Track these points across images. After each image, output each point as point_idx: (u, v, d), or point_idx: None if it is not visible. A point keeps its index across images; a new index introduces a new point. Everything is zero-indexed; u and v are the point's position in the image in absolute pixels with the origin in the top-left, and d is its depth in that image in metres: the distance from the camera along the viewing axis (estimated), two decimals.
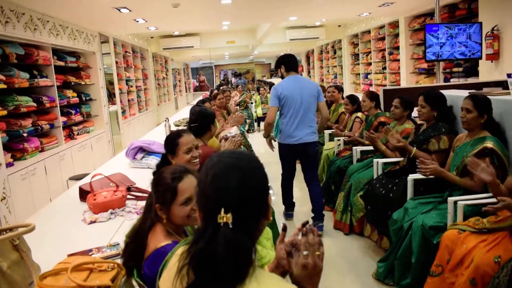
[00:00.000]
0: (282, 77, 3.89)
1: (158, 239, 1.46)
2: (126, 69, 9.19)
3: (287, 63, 3.82)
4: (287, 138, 3.80)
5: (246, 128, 8.83)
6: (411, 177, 2.94)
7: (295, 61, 3.87)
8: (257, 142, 8.02)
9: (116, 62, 8.31)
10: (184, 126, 5.18)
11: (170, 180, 1.53)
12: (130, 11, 5.69)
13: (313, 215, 3.89)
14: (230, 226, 0.95)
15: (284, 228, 1.20)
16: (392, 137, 3.30)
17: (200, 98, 6.42)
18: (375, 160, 3.51)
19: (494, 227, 2.20)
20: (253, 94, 11.76)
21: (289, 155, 3.87)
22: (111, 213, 2.35)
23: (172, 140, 2.15)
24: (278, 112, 3.83)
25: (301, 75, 16.61)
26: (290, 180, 4.03)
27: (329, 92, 5.47)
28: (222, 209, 0.97)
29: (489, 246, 2.12)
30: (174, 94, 14.90)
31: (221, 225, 0.96)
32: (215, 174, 1.01)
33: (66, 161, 5.39)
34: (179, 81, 16.91)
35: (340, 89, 5.46)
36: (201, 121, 2.82)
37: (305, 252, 1.08)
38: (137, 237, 1.49)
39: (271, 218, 1.03)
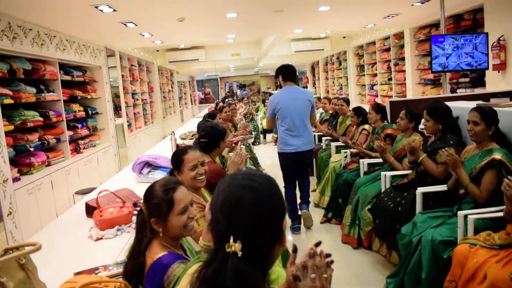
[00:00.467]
0: (280, 87, 4.08)
1: (154, 253, 1.47)
2: (132, 83, 9.24)
3: (285, 74, 3.99)
4: (285, 147, 3.98)
5: (252, 140, 8.68)
6: (420, 190, 2.92)
7: (293, 72, 4.02)
8: (264, 155, 7.90)
9: (122, 76, 8.34)
10: (191, 139, 5.15)
11: (163, 192, 1.55)
12: (136, 25, 5.74)
13: (299, 201, 4.17)
14: (239, 255, 0.93)
15: (295, 250, 1.17)
16: (377, 141, 3.44)
17: (206, 110, 6.67)
18: (383, 173, 3.48)
19: (505, 243, 2.18)
20: (259, 106, 11.76)
21: (288, 162, 4.04)
22: (118, 230, 2.33)
23: (178, 156, 2.14)
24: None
25: (306, 86, 17.68)
26: (293, 188, 4.13)
27: (337, 105, 5.49)
28: (231, 238, 0.94)
29: (502, 262, 2.10)
30: (180, 107, 14.90)
31: (230, 253, 0.94)
32: (226, 198, 0.98)
33: (72, 175, 5.39)
34: (185, 93, 16.97)
35: (348, 102, 5.48)
36: (211, 137, 2.78)
37: (312, 275, 1.06)
38: (135, 257, 1.49)
39: (286, 244, 1.01)
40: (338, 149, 4.98)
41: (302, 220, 4.17)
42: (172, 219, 1.57)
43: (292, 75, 4.02)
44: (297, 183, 4.20)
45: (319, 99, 7.28)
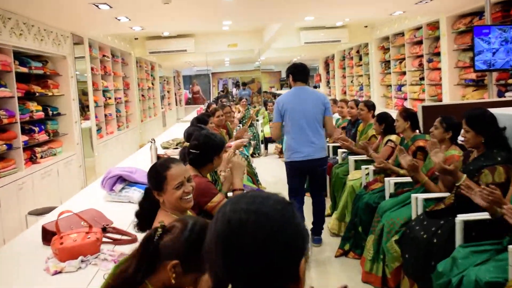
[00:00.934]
0: (290, 87, 4.39)
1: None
2: (103, 77, 9.16)
3: (296, 73, 4.31)
4: (293, 155, 4.27)
5: (251, 151, 8.53)
6: (461, 218, 2.86)
7: (305, 72, 4.35)
8: (265, 169, 7.71)
9: (92, 69, 8.28)
10: (175, 148, 5.08)
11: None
12: (111, 7, 5.69)
13: (311, 227, 4.37)
14: None
15: None
16: (404, 157, 3.49)
17: (194, 113, 6.68)
18: (413, 195, 3.42)
19: None
20: (260, 109, 11.40)
21: (297, 173, 4.30)
22: (82, 261, 2.30)
23: (158, 172, 2.14)
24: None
25: (317, 86, 17.72)
26: (299, 203, 4.20)
27: (353, 108, 5.51)
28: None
29: None
30: (162, 108, 14.70)
31: None
32: (225, 236, 0.95)
33: (26, 190, 5.33)
34: (168, 92, 16.61)
35: (371, 106, 5.44)
36: (204, 150, 2.78)
37: None
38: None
39: None
40: (357, 165, 4.91)
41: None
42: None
43: (304, 76, 4.33)
44: (312, 200, 4.33)
45: (334, 101, 7.17)
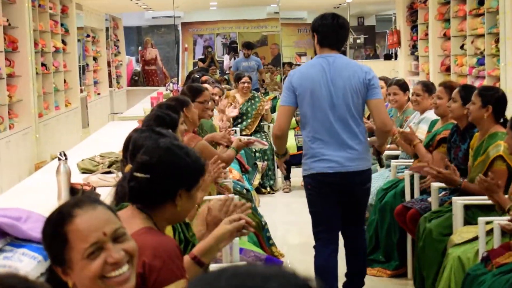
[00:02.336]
0: (316, 53, 3.61)
1: None
2: None
3: (323, 33, 3.45)
4: (314, 163, 3.39)
5: (256, 181, 6.28)
6: None
7: (340, 31, 3.48)
8: (283, 217, 5.61)
9: None
10: (106, 172, 3.97)
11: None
12: None
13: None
14: None
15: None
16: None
17: (147, 101, 5.87)
18: None
19: None
20: (277, 97, 8.09)
21: (322, 196, 3.41)
22: None
23: (54, 229, 1.60)
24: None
25: (391, 53, 12.36)
26: (330, 249, 3.44)
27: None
28: None
29: None
30: (82, 92, 9.94)
31: None
32: None
33: None
34: (96, 59, 11.47)
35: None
36: (160, 177, 2.04)
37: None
38: None
39: None
40: (472, 215, 3.65)
41: None
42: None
43: (337, 38, 3.48)
44: (344, 241, 3.58)
45: (387, 82, 5.40)
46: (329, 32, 3.45)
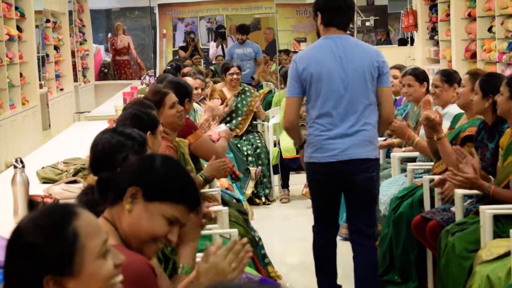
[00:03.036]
0: (319, 36, 3.91)
1: None
2: None
3: (328, 12, 3.72)
4: (317, 152, 3.71)
5: (249, 190, 6.33)
6: None
7: (347, 9, 3.75)
8: (281, 233, 5.76)
9: None
10: (71, 182, 4.15)
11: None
12: None
13: None
14: None
15: None
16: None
17: (119, 97, 6.31)
18: None
19: None
20: (273, 91, 8.39)
21: (323, 185, 3.78)
22: None
23: (57, 227, 1.65)
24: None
25: (407, 39, 11.98)
26: (329, 237, 3.91)
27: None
28: None
29: None
30: (42, 87, 9.86)
31: None
32: None
33: None
34: (58, 48, 11.35)
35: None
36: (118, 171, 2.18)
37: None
38: None
39: None
40: (504, 227, 3.75)
41: None
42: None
43: (343, 16, 3.76)
44: (352, 250, 3.90)
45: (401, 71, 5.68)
46: (335, 10, 3.70)
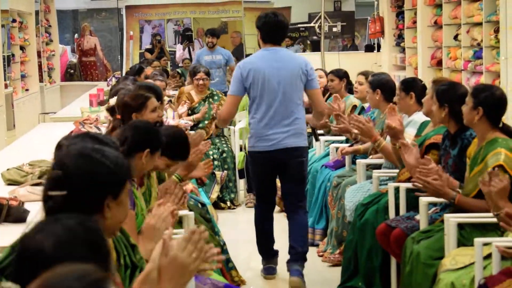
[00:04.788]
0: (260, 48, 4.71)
1: None
2: None
3: (266, 30, 4.53)
4: (259, 142, 4.53)
5: (214, 194, 6.32)
6: None
7: (279, 28, 4.55)
8: (246, 238, 5.66)
9: None
10: (36, 184, 4.11)
11: None
12: None
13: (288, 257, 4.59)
14: None
15: None
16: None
17: (84, 99, 6.37)
18: None
19: None
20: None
21: (263, 170, 4.59)
22: None
23: None
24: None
25: (373, 45, 12.00)
26: (268, 211, 4.72)
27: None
28: None
29: None
30: (8, 87, 9.92)
31: None
32: None
33: None
34: (23, 48, 11.33)
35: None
36: (79, 189, 2.14)
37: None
38: None
39: None
40: (469, 234, 3.82)
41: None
42: None
43: (277, 34, 4.56)
44: (288, 220, 4.79)
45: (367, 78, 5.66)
46: (271, 29, 4.50)
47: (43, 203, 2.12)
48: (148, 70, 6.75)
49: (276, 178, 4.77)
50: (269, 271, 4.76)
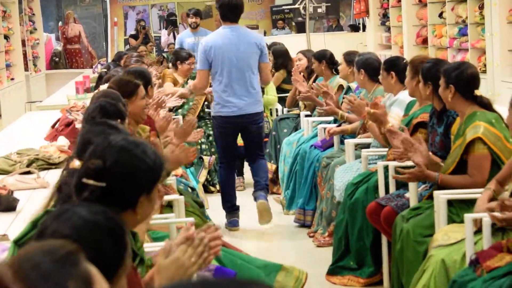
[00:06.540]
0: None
1: None
2: None
3: (224, 9, 5.11)
4: (222, 108, 5.18)
5: (202, 177, 6.32)
6: None
7: (237, 8, 5.12)
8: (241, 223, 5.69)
9: None
10: (25, 173, 4.23)
11: None
12: None
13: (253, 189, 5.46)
14: None
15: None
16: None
17: (72, 86, 6.56)
18: None
19: None
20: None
21: (226, 132, 5.26)
22: None
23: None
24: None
25: (358, 25, 12.04)
26: (230, 170, 5.42)
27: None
28: None
29: None
30: None
31: None
32: None
33: None
34: (8, 38, 11.21)
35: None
36: (119, 183, 2.12)
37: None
38: None
39: None
40: (458, 211, 3.83)
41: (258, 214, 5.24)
42: None
43: (233, 13, 5.12)
44: (250, 168, 5.65)
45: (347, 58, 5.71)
46: (228, 8, 5.05)
47: (74, 189, 2.06)
48: (133, 56, 6.70)
49: (237, 139, 5.47)
50: (233, 223, 5.28)
